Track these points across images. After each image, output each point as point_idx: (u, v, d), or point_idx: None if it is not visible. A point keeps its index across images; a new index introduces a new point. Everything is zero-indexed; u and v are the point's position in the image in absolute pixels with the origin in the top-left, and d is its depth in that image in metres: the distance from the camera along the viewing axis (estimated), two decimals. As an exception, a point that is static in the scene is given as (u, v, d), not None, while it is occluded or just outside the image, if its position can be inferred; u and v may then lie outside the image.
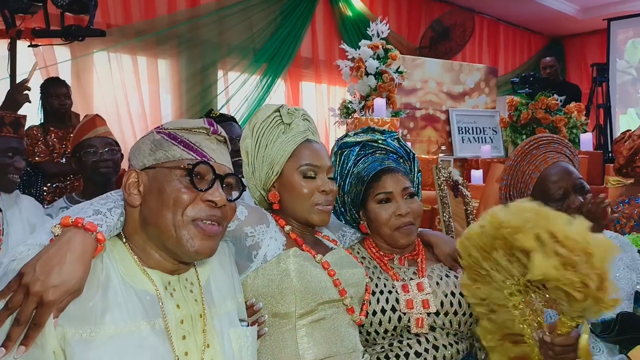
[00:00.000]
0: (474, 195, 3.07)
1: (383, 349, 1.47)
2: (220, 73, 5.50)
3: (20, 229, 2.08)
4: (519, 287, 1.29)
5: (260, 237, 1.34)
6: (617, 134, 5.75)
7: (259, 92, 5.69)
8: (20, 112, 2.81)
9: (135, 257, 1.09)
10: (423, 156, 4.62)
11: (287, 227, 1.42)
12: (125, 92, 4.81)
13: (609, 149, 5.96)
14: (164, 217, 1.05)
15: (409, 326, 1.46)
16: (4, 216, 2.07)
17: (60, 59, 4.33)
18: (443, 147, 5.65)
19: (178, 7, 5.17)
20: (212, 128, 1.14)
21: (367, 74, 4.36)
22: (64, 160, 3.43)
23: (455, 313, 1.48)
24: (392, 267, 1.55)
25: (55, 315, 0.96)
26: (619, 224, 2.54)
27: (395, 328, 1.46)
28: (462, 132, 5.77)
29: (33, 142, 3.37)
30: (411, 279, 1.52)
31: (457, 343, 1.49)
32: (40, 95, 3.55)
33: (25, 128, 2.50)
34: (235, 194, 1.15)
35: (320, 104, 6.34)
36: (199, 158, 1.09)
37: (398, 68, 4.48)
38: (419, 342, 1.45)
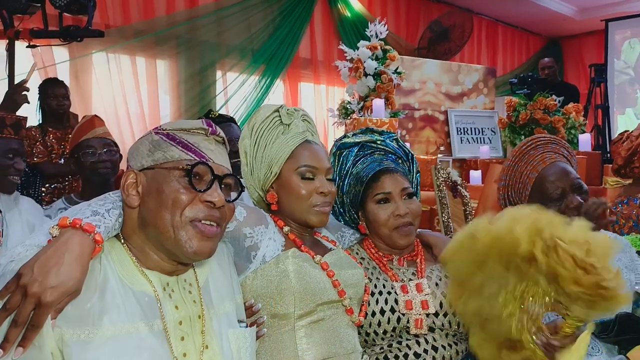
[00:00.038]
0: (473, 196, 3.07)
1: (382, 350, 1.47)
2: (219, 74, 5.50)
3: (20, 230, 2.08)
4: (515, 295, 1.27)
5: (259, 238, 1.33)
6: (615, 134, 5.76)
7: (257, 92, 5.69)
8: (19, 112, 2.81)
9: (134, 258, 1.08)
10: (422, 157, 4.63)
11: (286, 228, 1.41)
12: (124, 93, 4.81)
13: (608, 150, 5.96)
14: (163, 218, 1.05)
15: (408, 327, 1.45)
16: (4, 217, 2.07)
17: (58, 59, 4.32)
18: (442, 148, 5.66)
19: (177, 8, 5.17)
20: (210, 129, 1.13)
21: (366, 75, 4.36)
22: (62, 161, 3.42)
23: (455, 314, 1.48)
24: (391, 268, 1.55)
25: (53, 316, 0.96)
26: (618, 225, 2.54)
27: (394, 329, 1.46)
28: (461, 133, 5.78)
29: (31, 143, 3.35)
30: (410, 279, 1.52)
31: (456, 344, 1.48)
32: (38, 96, 3.54)
33: (24, 129, 2.49)
34: (233, 194, 1.15)
35: (319, 105, 6.34)
36: (197, 159, 1.09)
37: (397, 69, 4.48)
38: (418, 343, 1.45)
